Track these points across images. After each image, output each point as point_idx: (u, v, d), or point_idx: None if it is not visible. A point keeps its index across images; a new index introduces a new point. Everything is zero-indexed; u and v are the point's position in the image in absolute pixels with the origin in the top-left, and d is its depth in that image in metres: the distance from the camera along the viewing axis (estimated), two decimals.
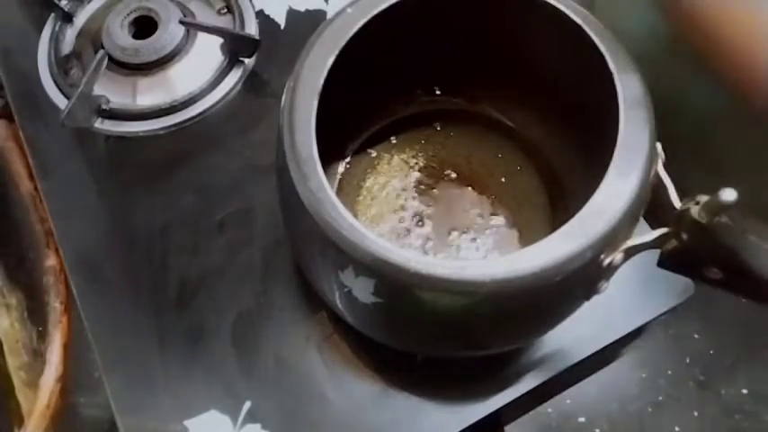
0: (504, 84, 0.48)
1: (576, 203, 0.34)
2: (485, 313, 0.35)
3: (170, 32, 0.55)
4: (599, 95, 0.37)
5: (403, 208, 0.49)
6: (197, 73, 0.55)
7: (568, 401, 0.47)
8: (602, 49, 0.37)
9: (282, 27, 0.59)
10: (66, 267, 0.49)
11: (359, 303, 0.36)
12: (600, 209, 0.33)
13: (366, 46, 0.38)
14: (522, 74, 0.46)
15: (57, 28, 0.58)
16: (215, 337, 0.46)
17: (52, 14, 0.59)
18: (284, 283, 0.47)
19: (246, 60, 0.56)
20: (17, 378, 0.56)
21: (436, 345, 0.41)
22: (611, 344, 0.45)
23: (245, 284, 0.47)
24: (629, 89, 0.36)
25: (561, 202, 0.48)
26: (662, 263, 0.36)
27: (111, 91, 0.54)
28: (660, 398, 0.48)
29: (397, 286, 0.33)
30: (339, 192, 0.49)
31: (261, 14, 0.59)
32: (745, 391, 0.48)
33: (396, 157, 0.50)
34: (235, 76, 0.56)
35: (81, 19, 0.59)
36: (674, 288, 0.46)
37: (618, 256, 0.34)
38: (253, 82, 0.56)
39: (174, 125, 0.54)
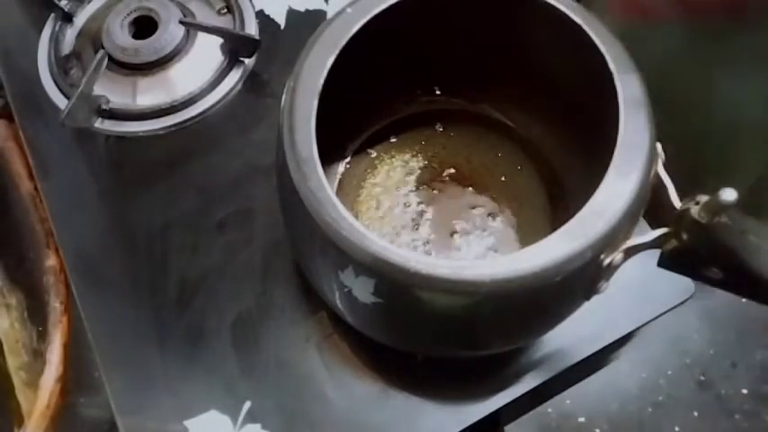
0: (504, 84, 0.48)
1: (576, 203, 0.34)
2: (485, 313, 0.35)
3: (170, 32, 0.55)
4: (599, 95, 0.37)
5: (403, 208, 0.49)
6: (197, 73, 0.55)
7: (568, 401, 0.47)
8: (602, 49, 0.37)
9: (282, 27, 0.59)
10: (66, 267, 0.50)
11: (359, 303, 0.36)
12: (600, 209, 0.33)
13: (366, 46, 0.38)
14: (522, 74, 0.46)
15: (57, 28, 0.58)
16: (215, 337, 0.46)
17: (52, 14, 0.59)
18: (284, 283, 0.47)
19: (246, 60, 0.56)
20: (17, 378, 0.56)
21: (436, 345, 0.41)
22: (611, 344, 0.45)
23: (245, 284, 0.47)
24: (629, 89, 0.36)
25: (561, 201, 0.48)
26: (662, 263, 0.36)
27: (111, 91, 0.54)
28: (660, 398, 0.48)
29: (397, 286, 0.33)
30: (339, 192, 0.49)
31: (261, 14, 0.59)
32: (745, 391, 0.48)
33: (396, 158, 0.50)
34: (235, 76, 0.56)
35: (81, 19, 0.59)
36: (674, 288, 0.46)
37: (618, 256, 0.34)
38: (253, 82, 0.56)
39: (174, 125, 0.54)
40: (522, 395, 0.44)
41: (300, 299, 0.47)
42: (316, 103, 0.36)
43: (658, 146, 0.36)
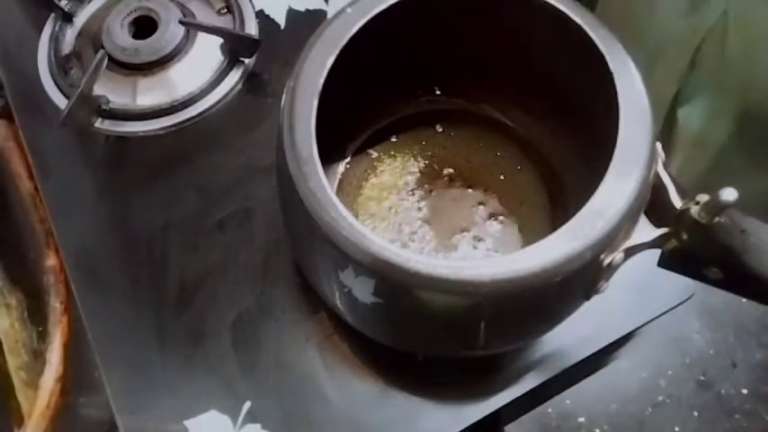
0: (504, 84, 0.48)
1: (577, 203, 0.34)
2: (485, 313, 0.35)
3: (170, 32, 0.55)
4: (599, 95, 0.37)
5: (403, 208, 0.49)
6: (197, 73, 0.55)
7: (568, 401, 0.47)
8: (602, 49, 0.37)
9: (282, 27, 0.59)
10: (66, 267, 0.49)
11: (359, 303, 0.36)
12: (600, 209, 0.33)
13: (366, 46, 0.38)
14: (522, 74, 0.46)
15: (57, 28, 0.58)
16: (215, 338, 0.46)
17: (52, 14, 0.59)
18: (284, 283, 0.47)
19: (246, 60, 0.56)
20: (17, 378, 0.56)
21: (436, 345, 0.41)
22: (611, 344, 0.45)
23: (245, 284, 0.47)
24: (629, 89, 0.36)
25: (561, 201, 0.48)
26: (662, 263, 0.36)
27: (111, 91, 0.54)
28: (660, 398, 0.48)
29: (397, 286, 0.33)
30: (339, 192, 0.49)
31: (261, 14, 0.59)
32: (745, 391, 0.48)
33: (396, 158, 0.50)
34: (235, 76, 0.56)
35: (81, 19, 0.59)
36: (674, 288, 0.46)
37: (618, 256, 0.34)
38: (253, 82, 0.56)
39: (174, 125, 0.54)
40: (522, 395, 0.44)
41: (300, 299, 0.47)
42: (316, 103, 0.36)
43: (658, 146, 0.36)
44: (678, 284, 0.45)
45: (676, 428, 0.47)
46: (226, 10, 0.59)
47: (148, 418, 0.44)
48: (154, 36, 0.55)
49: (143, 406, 0.44)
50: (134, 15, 0.56)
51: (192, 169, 0.52)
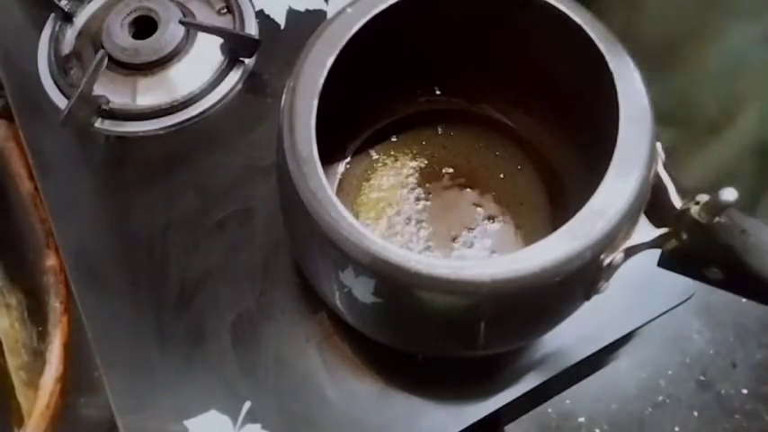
0: (504, 84, 0.48)
1: (577, 203, 0.34)
2: (485, 313, 0.35)
3: (170, 32, 0.55)
4: (599, 95, 0.37)
5: (403, 208, 0.49)
6: (197, 73, 0.55)
7: (568, 401, 0.47)
8: (602, 49, 0.37)
9: (282, 27, 0.59)
10: (66, 267, 0.49)
11: (359, 303, 0.36)
12: (600, 209, 0.33)
13: (366, 46, 0.38)
14: (522, 74, 0.46)
15: (57, 28, 0.58)
16: (215, 338, 0.46)
17: (52, 14, 0.59)
18: (284, 283, 0.47)
19: (246, 60, 0.56)
20: (17, 378, 0.56)
21: (436, 345, 0.41)
22: (611, 344, 0.45)
23: (245, 284, 0.47)
24: (629, 89, 0.36)
25: (561, 201, 0.48)
26: (662, 263, 0.36)
27: (111, 91, 0.54)
28: (660, 398, 0.48)
29: (397, 286, 0.33)
30: (339, 192, 0.49)
31: (261, 14, 0.59)
32: (745, 391, 0.48)
33: (396, 158, 0.50)
34: (235, 76, 0.56)
35: (81, 19, 0.59)
36: (674, 288, 0.46)
37: (618, 256, 0.34)
38: (253, 82, 0.56)
39: (174, 125, 0.54)
40: (522, 395, 0.44)
41: (300, 299, 0.47)
42: (316, 103, 0.36)
43: (658, 146, 0.36)
44: (678, 284, 0.45)
45: (676, 428, 0.47)
46: (226, 10, 0.59)
47: (148, 418, 0.44)
48: (154, 36, 0.55)
49: (143, 406, 0.44)
50: (134, 15, 0.56)
51: (192, 169, 0.52)
